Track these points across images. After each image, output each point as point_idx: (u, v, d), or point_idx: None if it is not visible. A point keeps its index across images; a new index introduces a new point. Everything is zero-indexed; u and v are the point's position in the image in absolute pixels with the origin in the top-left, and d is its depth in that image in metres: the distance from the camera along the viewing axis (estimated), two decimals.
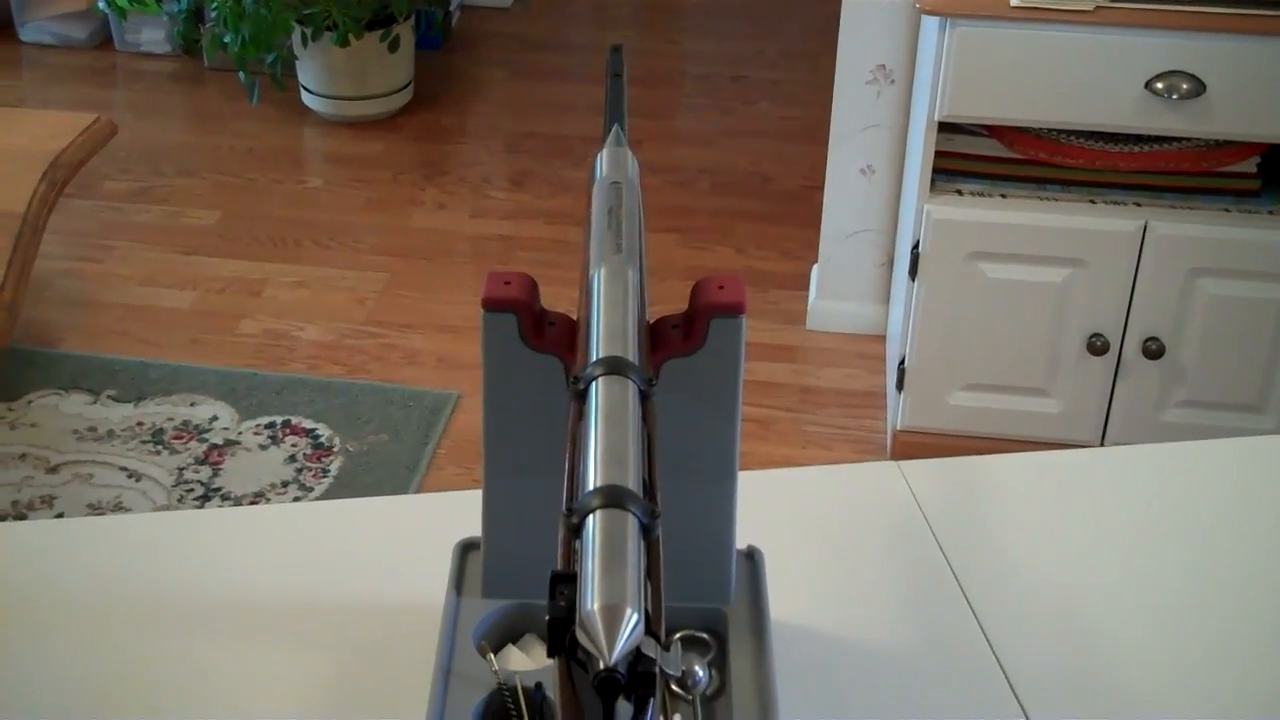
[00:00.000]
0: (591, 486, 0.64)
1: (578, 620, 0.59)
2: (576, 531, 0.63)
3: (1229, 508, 1.18)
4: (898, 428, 2.51)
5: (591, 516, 0.63)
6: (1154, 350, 2.35)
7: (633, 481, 0.65)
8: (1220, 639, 1.04)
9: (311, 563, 1.08)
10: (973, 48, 2.17)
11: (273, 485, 2.46)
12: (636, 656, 0.59)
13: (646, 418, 0.71)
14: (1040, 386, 2.42)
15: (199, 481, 2.47)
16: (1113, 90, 2.17)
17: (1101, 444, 2.43)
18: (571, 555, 0.63)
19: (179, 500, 2.43)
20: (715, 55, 4.19)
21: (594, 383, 0.71)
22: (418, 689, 0.88)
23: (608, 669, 0.58)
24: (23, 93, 3.93)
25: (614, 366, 0.72)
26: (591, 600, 0.59)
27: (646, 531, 0.63)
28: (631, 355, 0.73)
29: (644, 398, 0.72)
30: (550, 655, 0.62)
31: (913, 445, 2.47)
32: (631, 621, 0.58)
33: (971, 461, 1.22)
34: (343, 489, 2.45)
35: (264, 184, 3.46)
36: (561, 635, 0.61)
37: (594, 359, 0.73)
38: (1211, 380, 2.38)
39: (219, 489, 2.45)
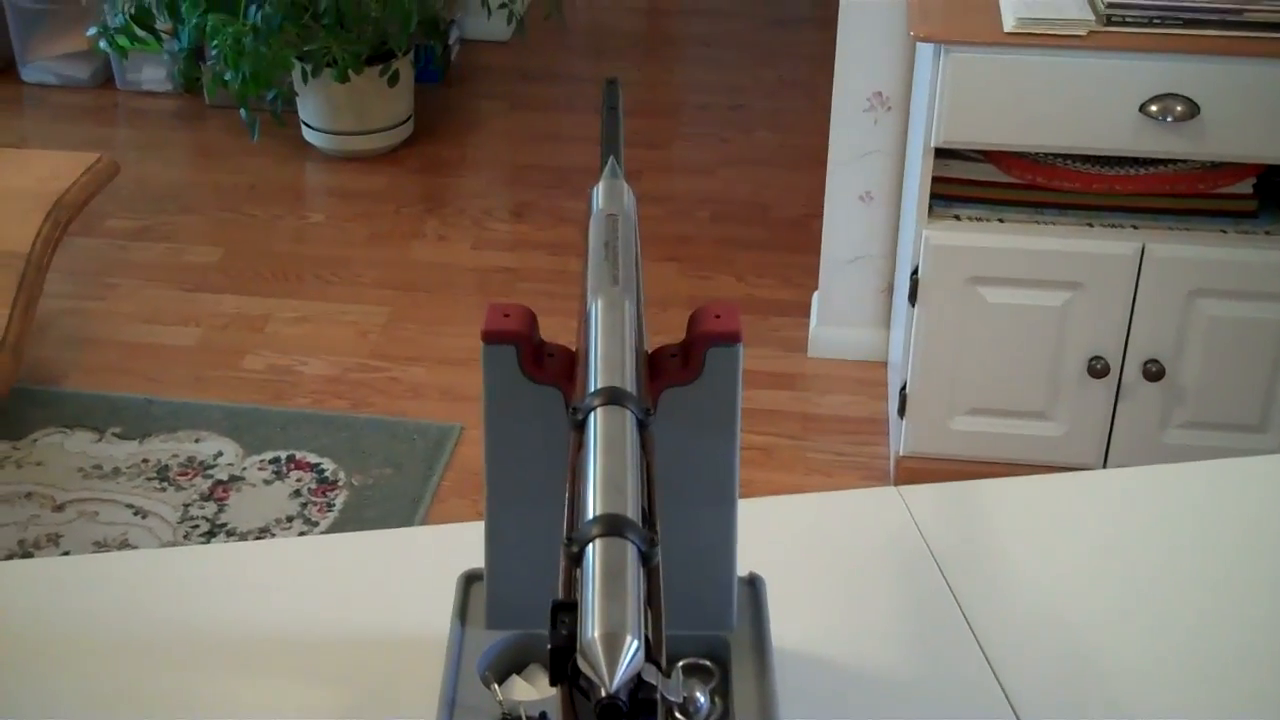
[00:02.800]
0: (591, 515, 0.65)
1: (579, 648, 0.59)
2: (577, 560, 0.64)
3: (1231, 528, 1.18)
4: (900, 453, 2.52)
5: (591, 545, 0.63)
6: (1154, 372, 2.35)
7: (631, 510, 0.65)
8: (1225, 662, 1.04)
9: (316, 596, 1.08)
10: (968, 73, 2.19)
11: (278, 520, 2.47)
12: (638, 684, 0.59)
13: (645, 446, 0.72)
14: (1041, 410, 2.43)
15: (204, 518, 2.47)
16: (1107, 114, 2.19)
17: (1104, 467, 2.43)
18: (572, 584, 0.64)
19: (184, 537, 2.43)
20: (713, 85, 4.21)
21: (592, 413, 0.72)
22: None
23: (609, 696, 0.58)
24: (25, 133, 3.95)
25: (612, 397, 0.73)
26: (592, 628, 0.59)
27: (646, 559, 0.64)
28: (629, 385, 0.74)
29: (642, 427, 0.73)
30: (553, 684, 0.63)
31: (916, 471, 2.48)
32: (632, 649, 0.59)
33: (971, 486, 1.23)
34: (348, 523, 2.46)
35: (266, 220, 3.47)
36: (563, 664, 0.62)
37: (592, 389, 0.74)
38: (1212, 401, 2.39)
39: (224, 525, 2.46)
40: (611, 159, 0.94)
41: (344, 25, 3.46)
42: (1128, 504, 1.21)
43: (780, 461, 2.65)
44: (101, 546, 2.40)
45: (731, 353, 0.86)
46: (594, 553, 0.63)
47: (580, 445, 0.72)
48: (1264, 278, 2.28)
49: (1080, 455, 2.44)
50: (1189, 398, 2.39)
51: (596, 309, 0.79)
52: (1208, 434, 2.41)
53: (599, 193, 0.91)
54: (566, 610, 0.62)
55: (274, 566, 1.14)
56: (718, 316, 0.86)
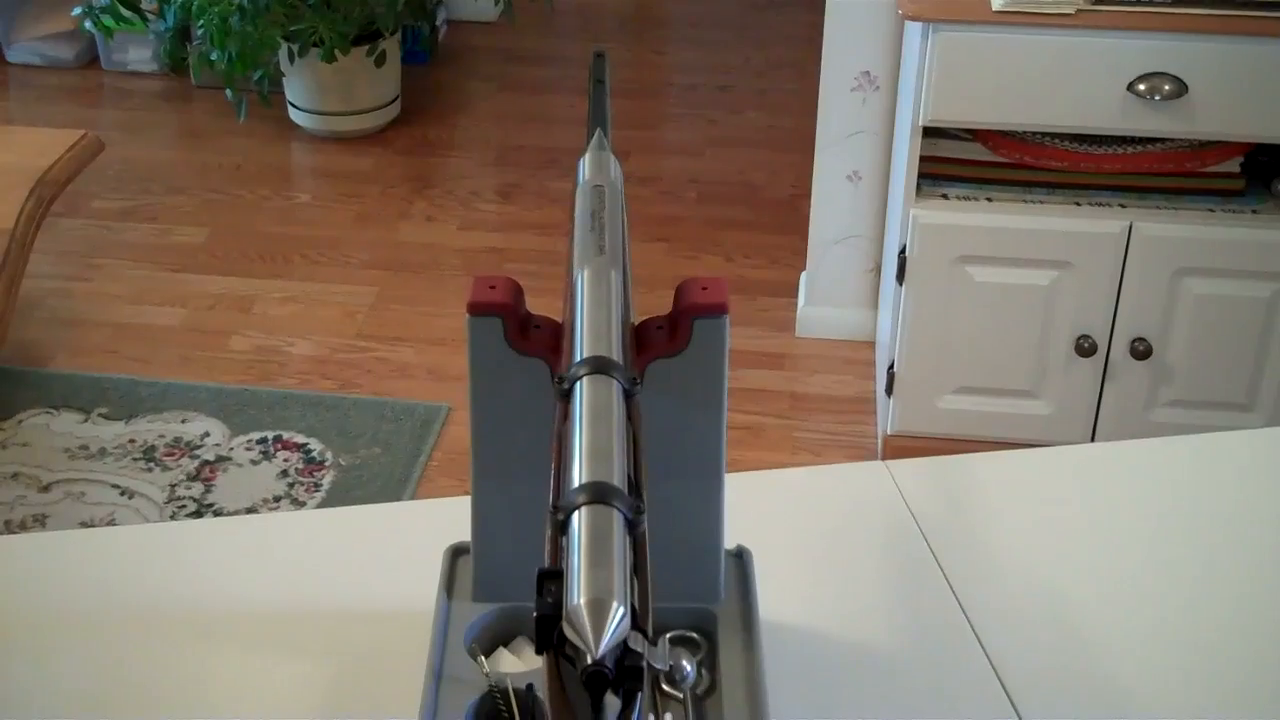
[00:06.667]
0: (576, 483, 0.65)
1: (564, 615, 0.59)
2: (562, 528, 0.64)
3: (1217, 501, 1.18)
4: (888, 432, 2.52)
5: (577, 513, 0.63)
6: (1141, 351, 2.36)
7: (617, 478, 0.65)
8: (1212, 634, 1.04)
9: (303, 570, 1.08)
10: (955, 52, 2.18)
11: (265, 500, 2.47)
12: (624, 651, 0.59)
13: (631, 416, 0.72)
14: (1029, 389, 2.43)
15: (191, 498, 2.47)
16: (1096, 92, 2.18)
17: None
18: (558, 552, 0.64)
19: (171, 517, 2.42)
20: (701, 65, 4.20)
21: (579, 382, 0.72)
22: (410, 692, 0.88)
23: (595, 663, 0.58)
24: (11, 114, 3.93)
25: (598, 366, 0.73)
26: (577, 595, 0.59)
27: (632, 527, 0.64)
28: (615, 355, 0.74)
29: (628, 396, 0.72)
30: (539, 652, 0.63)
31: (903, 450, 2.48)
32: (618, 615, 0.58)
33: (958, 460, 1.23)
34: (335, 503, 2.45)
35: (252, 200, 3.46)
36: (549, 631, 0.61)
37: (578, 359, 0.74)
38: (1199, 380, 2.39)
39: (211, 505, 2.45)
40: (599, 131, 0.93)
41: (331, 5, 3.45)
42: (1114, 476, 1.22)
43: (768, 441, 2.65)
44: (88, 527, 2.39)
45: (718, 324, 0.86)
46: (580, 520, 0.63)
47: (566, 414, 0.72)
48: (1251, 256, 2.29)
49: (1067, 434, 2.45)
50: (1176, 376, 2.39)
51: (582, 279, 0.79)
52: (1195, 412, 2.41)
53: (586, 164, 0.91)
54: (552, 578, 0.62)
55: (263, 541, 1.13)
56: (704, 288, 0.86)
